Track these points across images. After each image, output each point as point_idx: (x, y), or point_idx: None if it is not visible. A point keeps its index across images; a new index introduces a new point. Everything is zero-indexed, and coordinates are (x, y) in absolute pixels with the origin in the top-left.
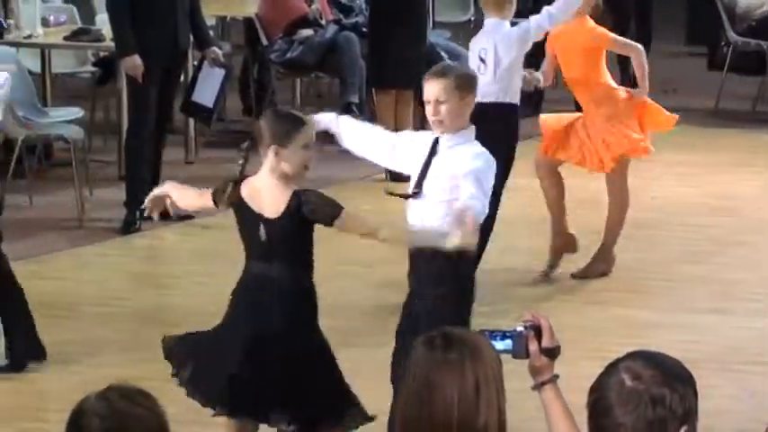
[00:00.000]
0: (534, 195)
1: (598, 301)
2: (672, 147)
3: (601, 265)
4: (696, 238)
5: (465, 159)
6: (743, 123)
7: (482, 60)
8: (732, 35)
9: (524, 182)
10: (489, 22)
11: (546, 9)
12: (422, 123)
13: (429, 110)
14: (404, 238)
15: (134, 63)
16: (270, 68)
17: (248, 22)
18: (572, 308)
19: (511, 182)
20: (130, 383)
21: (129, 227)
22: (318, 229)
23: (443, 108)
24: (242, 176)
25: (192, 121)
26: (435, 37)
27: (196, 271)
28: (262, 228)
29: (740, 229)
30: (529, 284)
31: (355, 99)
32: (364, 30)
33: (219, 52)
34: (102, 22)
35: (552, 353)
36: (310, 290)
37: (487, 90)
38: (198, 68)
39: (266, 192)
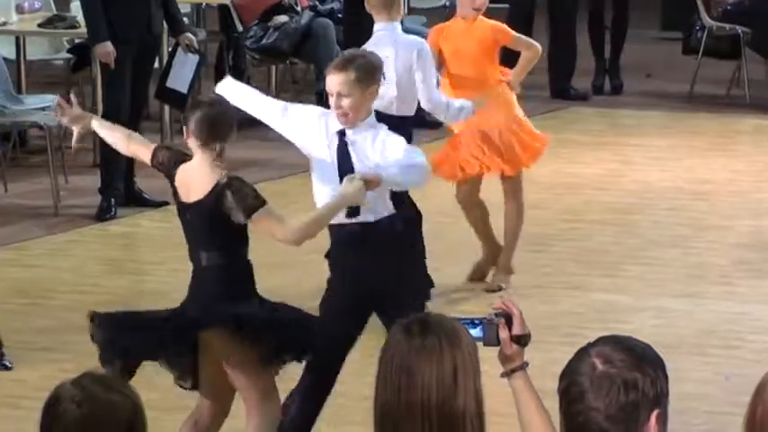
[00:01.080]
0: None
1: (573, 286)
2: (647, 131)
3: (502, 276)
4: (670, 222)
5: (383, 147)
6: (718, 108)
7: None
8: (707, 20)
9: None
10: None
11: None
12: None
13: (332, 102)
14: (318, 228)
15: (106, 50)
16: (245, 55)
17: (223, 8)
18: (546, 293)
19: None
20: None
21: (104, 213)
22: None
23: (346, 102)
24: (178, 156)
25: (167, 108)
26: (410, 23)
27: (172, 257)
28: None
29: (714, 214)
30: None
31: None
32: (339, 16)
33: (194, 38)
34: (77, 8)
35: (522, 340)
36: (232, 267)
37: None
38: (172, 54)
39: (193, 176)
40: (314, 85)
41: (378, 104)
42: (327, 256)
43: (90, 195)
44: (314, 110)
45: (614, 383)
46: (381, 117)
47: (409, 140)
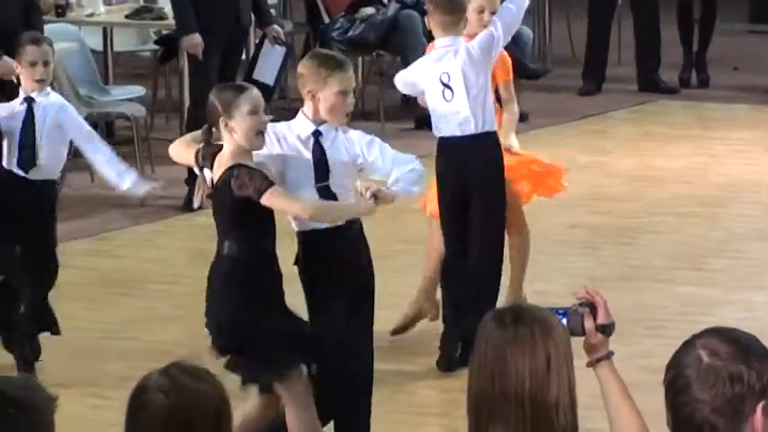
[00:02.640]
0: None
1: (658, 280)
2: (733, 124)
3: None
4: (756, 216)
5: (381, 153)
6: None
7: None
8: None
9: None
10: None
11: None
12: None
13: (347, 100)
14: (329, 215)
15: (194, 41)
16: (331, 47)
17: (310, 0)
18: (633, 286)
19: None
20: (193, 360)
21: (190, 204)
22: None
23: (351, 100)
24: (213, 149)
25: None
26: None
27: None
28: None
29: None
30: (586, 264)
31: None
32: (426, 8)
33: (281, 30)
34: (165, 0)
35: (607, 329)
36: (241, 263)
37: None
38: (259, 46)
39: (218, 161)
40: None
41: (450, 129)
42: (302, 260)
43: (177, 186)
44: (270, 141)
45: (720, 376)
46: (462, 145)
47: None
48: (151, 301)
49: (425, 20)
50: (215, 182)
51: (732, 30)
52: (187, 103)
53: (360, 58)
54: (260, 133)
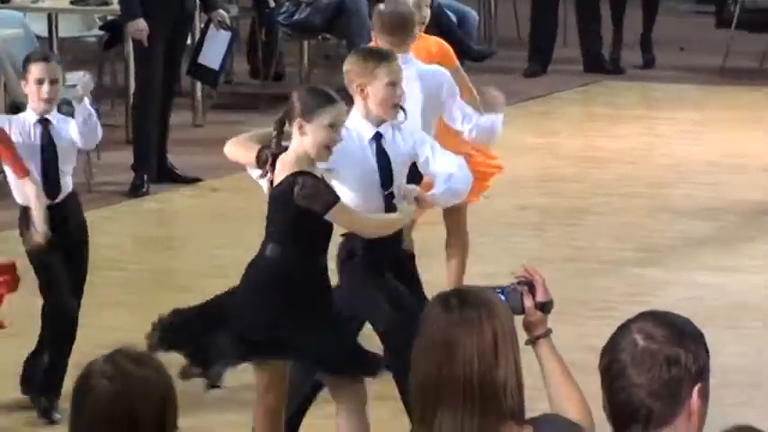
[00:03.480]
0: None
1: (604, 261)
2: (679, 105)
3: None
4: (703, 196)
5: (433, 155)
6: (751, 81)
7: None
8: None
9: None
10: None
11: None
12: None
13: (389, 93)
14: (383, 232)
15: (139, 27)
16: (277, 30)
17: None
18: (577, 267)
19: None
20: (139, 347)
21: (137, 190)
22: None
23: (400, 92)
24: (278, 149)
25: (199, 84)
26: None
27: (205, 233)
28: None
29: (747, 187)
30: (533, 246)
31: None
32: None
33: (226, 15)
34: None
35: (546, 307)
36: (277, 263)
37: None
38: (204, 31)
39: (281, 162)
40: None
41: None
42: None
43: (123, 172)
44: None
45: (656, 359)
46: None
47: None
48: (101, 288)
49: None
50: (276, 185)
51: (678, 10)
52: (132, 88)
53: (305, 42)
54: (329, 148)
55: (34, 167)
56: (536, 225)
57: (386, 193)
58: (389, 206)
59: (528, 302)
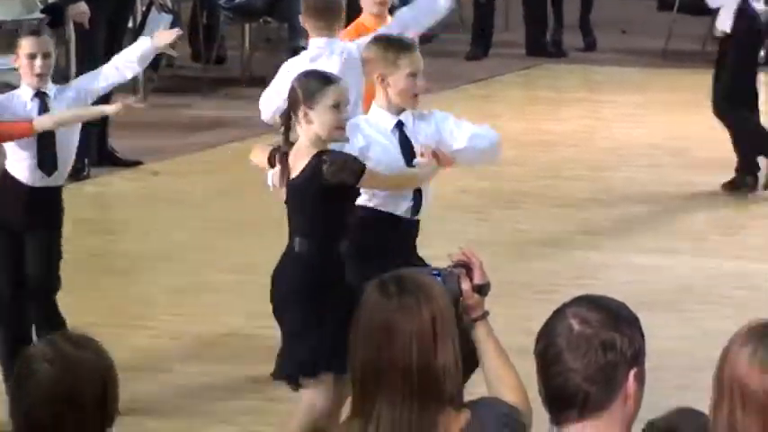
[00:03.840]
0: None
1: (546, 244)
2: (621, 88)
3: None
4: (645, 179)
5: (431, 117)
6: (693, 64)
7: None
8: None
9: None
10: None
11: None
12: None
13: (417, 83)
14: (411, 184)
15: (81, 10)
16: (219, 14)
17: None
18: (519, 251)
19: None
20: (79, 329)
21: (78, 174)
22: None
23: (422, 82)
24: (287, 147)
25: None
26: None
27: (146, 217)
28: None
29: (689, 169)
30: (475, 229)
31: (303, 43)
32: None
33: None
34: None
35: (483, 290)
36: (307, 257)
37: None
38: (146, 14)
39: (294, 155)
40: (286, 44)
41: None
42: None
43: None
44: (351, 133)
45: (592, 344)
46: None
47: None
48: None
49: None
50: (296, 174)
51: None
52: (74, 71)
53: (247, 26)
54: (340, 128)
55: (31, 143)
56: (477, 208)
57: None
58: (417, 191)
59: (465, 285)
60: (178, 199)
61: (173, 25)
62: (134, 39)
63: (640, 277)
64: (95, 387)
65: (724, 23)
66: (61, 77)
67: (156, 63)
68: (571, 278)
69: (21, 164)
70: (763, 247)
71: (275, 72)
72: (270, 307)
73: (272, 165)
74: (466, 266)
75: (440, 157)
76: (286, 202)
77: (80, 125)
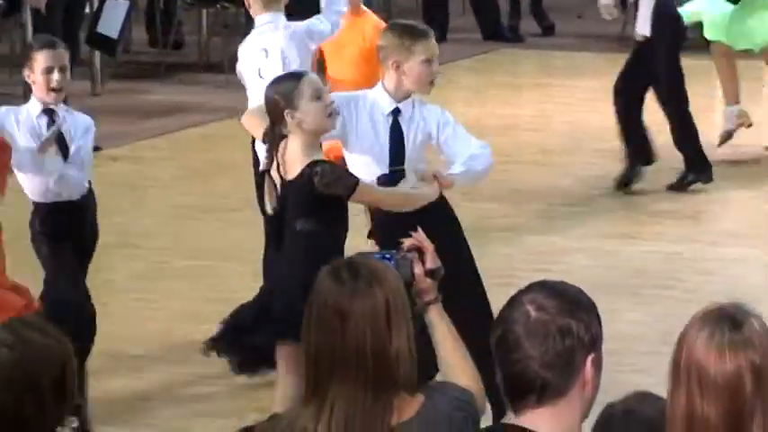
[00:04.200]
0: None
1: (505, 228)
2: (578, 73)
3: None
4: (603, 164)
5: (454, 135)
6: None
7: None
8: None
9: None
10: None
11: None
12: None
13: (428, 69)
14: (409, 204)
15: None
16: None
17: None
18: (479, 236)
19: None
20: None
21: None
22: None
23: (435, 66)
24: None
25: (97, 53)
26: None
27: (105, 202)
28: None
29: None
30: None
31: None
32: None
33: None
34: None
35: (435, 274)
36: (307, 234)
37: None
38: (103, 0)
39: (288, 159)
40: (244, 29)
41: None
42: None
43: None
44: (342, 104)
45: (549, 330)
46: None
47: None
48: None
49: None
50: (290, 179)
51: None
52: None
53: (204, 11)
54: (330, 115)
55: (47, 162)
56: None
57: (396, 169)
58: (391, 183)
59: (418, 269)
60: (137, 184)
61: (129, 11)
62: (91, 25)
63: (598, 262)
64: (55, 372)
65: (643, 27)
66: (17, 64)
67: (114, 49)
68: (529, 263)
69: (37, 188)
70: (718, 231)
71: (233, 58)
72: (233, 292)
73: (265, 139)
74: (418, 250)
75: (440, 181)
76: (274, 211)
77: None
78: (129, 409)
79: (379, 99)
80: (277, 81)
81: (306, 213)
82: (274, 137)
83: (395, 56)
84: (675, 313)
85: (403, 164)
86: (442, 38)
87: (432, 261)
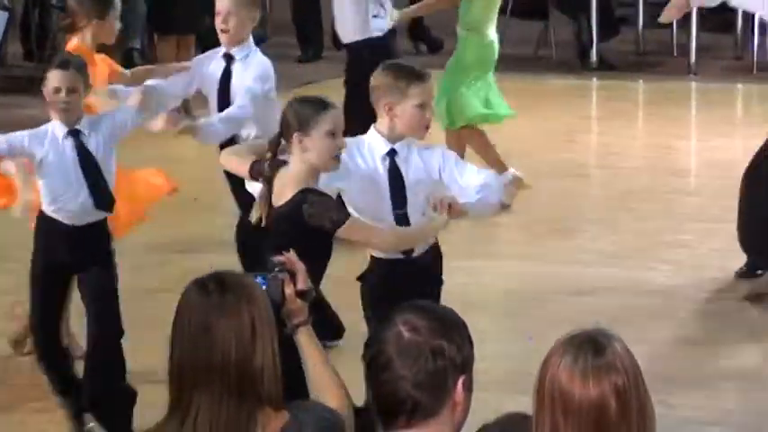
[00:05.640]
0: None
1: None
2: None
3: None
4: None
5: (457, 171)
6: (525, 68)
7: None
8: None
9: None
10: None
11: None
12: None
13: (426, 114)
14: (408, 243)
15: None
16: (51, 12)
17: None
18: (349, 255)
19: None
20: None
21: None
22: None
23: (429, 112)
24: (274, 164)
25: None
26: None
27: None
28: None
29: (528, 172)
30: None
31: (137, 45)
32: None
33: None
34: None
35: (306, 296)
36: None
37: None
38: None
39: (281, 181)
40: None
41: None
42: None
43: None
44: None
45: (422, 351)
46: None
47: None
48: None
49: None
50: (280, 204)
51: None
52: None
53: None
54: (336, 157)
55: (76, 184)
56: None
57: (399, 213)
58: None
59: (289, 290)
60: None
61: (7, 23)
62: None
63: (477, 279)
64: None
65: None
66: None
67: None
68: None
69: (65, 205)
70: (594, 251)
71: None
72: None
73: (253, 177)
74: (289, 272)
75: (453, 208)
76: (260, 225)
77: (114, 155)
78: None
79: (373, 143)
80: (304, 100)
81: (287, 244)
82: (277, 147)
83: (388, 98)
84: (545, 334)
85: (405, 207)
86: (317, 55)
87: (303, 282)
